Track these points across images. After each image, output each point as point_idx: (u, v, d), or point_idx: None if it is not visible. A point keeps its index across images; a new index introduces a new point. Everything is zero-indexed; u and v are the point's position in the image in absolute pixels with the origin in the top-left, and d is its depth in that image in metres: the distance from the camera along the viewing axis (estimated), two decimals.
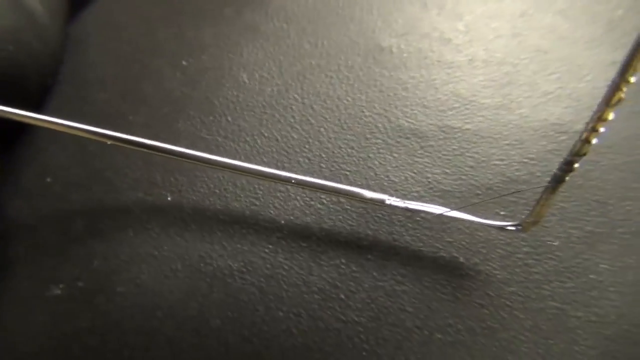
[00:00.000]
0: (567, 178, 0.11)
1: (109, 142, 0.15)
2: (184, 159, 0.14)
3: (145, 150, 0.14)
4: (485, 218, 0.14)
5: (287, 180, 0.14)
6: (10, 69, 0.15)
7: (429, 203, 0.15)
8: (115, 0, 0.20)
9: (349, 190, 0.14)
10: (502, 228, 0.13)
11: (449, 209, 0.13)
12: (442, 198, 0.15)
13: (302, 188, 0.15)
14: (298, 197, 0.15)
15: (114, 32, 0.20)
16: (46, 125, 0.15)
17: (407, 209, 0.14)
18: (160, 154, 0.14)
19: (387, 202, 0.14)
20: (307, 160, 0.16)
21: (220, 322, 0.14)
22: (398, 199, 0.14)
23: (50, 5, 0.17)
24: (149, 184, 0.16)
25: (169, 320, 0.14)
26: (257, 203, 0.15)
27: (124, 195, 0.16)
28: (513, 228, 0.13)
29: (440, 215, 0.14)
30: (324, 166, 0.16)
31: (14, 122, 0.15)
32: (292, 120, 0.16)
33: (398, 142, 0.15)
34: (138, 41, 0.19)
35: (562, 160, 0.12)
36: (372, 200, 0.14)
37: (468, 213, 0.14)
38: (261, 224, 0.15)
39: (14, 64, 0.15)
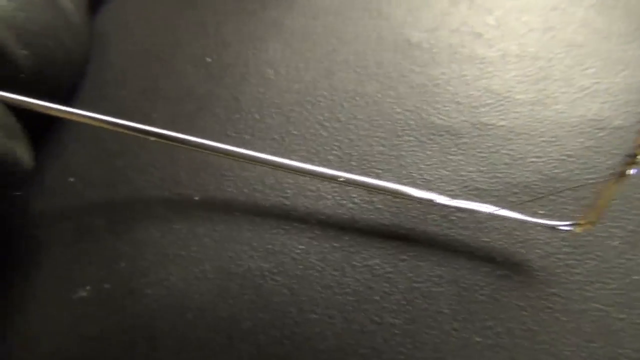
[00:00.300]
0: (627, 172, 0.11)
1: (152, 139, 0.14)
2: (235, 158, 0.14)
3: (191, 148, 0.14)
4: (515, 213, 0.13)
5: (333, 178, 0.14)
6: (47, 65, 0.15)
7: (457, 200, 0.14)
8: (129, 3, 0.20)
9: (395, 189, 0.13)
10: (554, 228, 0.13)
11: (498, 208, 0.13)
12: (478, 197, 0.14)
13: (348, 186, 0.14)
14: (329, 197, 0.15)
15: (134, 30, 0.20)
16: (84, 120, 0.14)
17: (457, 208, 0.13)
18: (212, 152, 0.14)
19: (437, 201, 0.13)
20: (337, 159, 0.15)
21: (251, 324, 0.14)
22: (447, 198, 0.13)
23: (77, 3, 0.17)
24: (174, 183, 0.16)
25: (199, 323, 0.14)
26: (287, 203, 0.15)
27: (149, 194, 0.16)
28: (568, 228, 0.13)
29: (491, 215, 0.13)
30: (354, 164, 0.15)
31: (40, 121, 0.15)
32: (320, 117, 0.16)
33: (431, 139, 0.15)
34: (158, 38, 0.18)
35: (604, 157, 0.11)
36: (420, 199, 0.13)
37: (509, 211, 0.13)
38: (292, 224, 0.15)
39: (51, 61, 0.15)
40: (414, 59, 0.16)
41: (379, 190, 0.14)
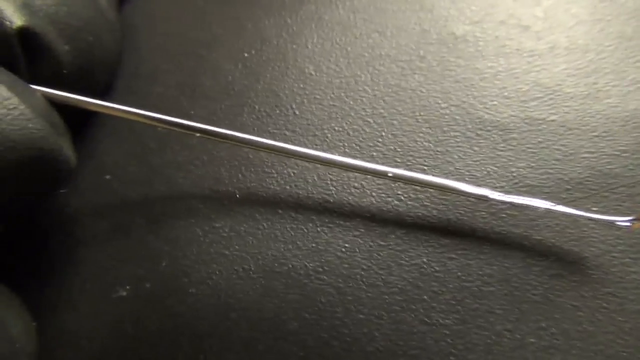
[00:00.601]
0: None
1: (197, 135, 0.14)
2: (287, 155, 0.14)
3: (238, 144, 0.14)
4: (573, 209, 0.13)
5: (382, 173, 0.13)
6: (87, 61, 0.14)
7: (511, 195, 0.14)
8: None
9: (447, 185, 0.13)
10: (612, 224, 0.12)
11: (554, 203, 0.13)
12: (529, 193, 0.14)
13: (396, 182, 0.14)
14: (374, 194, 0.15)
15: (165, 25, 0.19)
16: (134, 117, 0.14)
17: (511, 204, 0.13)
18: (258, 148, 0.14)
19: (491, 197, 0.13)
20: (381, 155, 0.15)
21: (297, 325, 0.14)
22: (502, 194, 0.13)
23: (111, 1, 0.17)
24: (214, 181, 0.15)
25: (243, 323, 0.14)
26: (331, 200, 0.15)
27: (189, 192, 0.15)
28: (627, 224, 0.12)
29: (548, 211, 0.13)
30: (399, 161, 0.15)
31: (74, 117, 0.15)
32: (363, 113, 0.15)
33: (478, 134, 0.15)
34: (193, 34, 0.18)
35: None
36: (474, 195, 0.13)
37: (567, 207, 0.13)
38: (336, 221, 0.14)
39: (90, 57, 0.15)
40: (459, 52, 0.15)
41: (429, 185, 0.13)
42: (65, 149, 0.13)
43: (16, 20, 0.13)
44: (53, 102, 0.14)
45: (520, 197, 0.13)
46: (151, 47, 0.19)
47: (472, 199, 0.14)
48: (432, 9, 0.16)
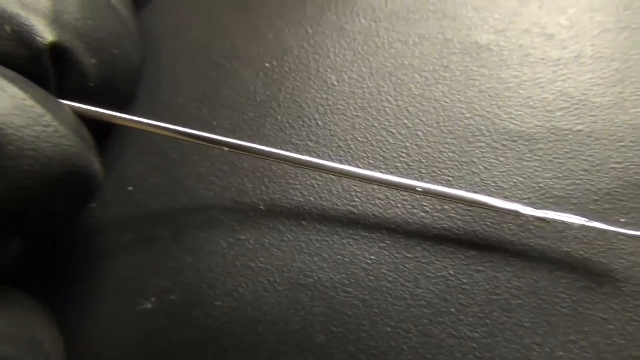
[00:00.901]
0: None
1: (225, 150, 0.14)
2: (319, 170, 0.14)
3: (267, 159, 0.14)
4: (607, 225, 0.13)
5: (411, 188, 0.13)
6: (112, 74, 0.15)
7: (543, 210, 0.14)
8: (176, 4, 0.20)
9: (477, 200, 0.13)
10: None
11: (587, 220, 0.12)
12: (556, 205, 0.14)
13: (426, 196, 0.14)
14: (399, 205, 0.14)
15: (184, 34, 0.19)
16: (158, 131, 0.14)
17: (543, 220, 0.13)
18: (290, 164, 0.14)
19: (523, 212, 0.13)
20: (405, 166, 0.15)
21: (324, 338, 0.14)
22: (533, 209, 0.13)
23: (130, 9, 0.17)
24: (238, 192, 0.15)
25: (270, 336, 0.14)
26: (356, 212, 0.15)
27: (212, 204, 0.15)
28: None
29: (582, 227, 0.13)
30: (424, 172, 0.15)
31: (97, 129, 0.15)
32: (387, 124, 0.15)
33: (504, 145, 0.15)
34: (213, 43, 0.18)
35: None
36: (505, 210, 0.13)
37: (593, 219, 0.13)
38: (361, 233, 0.14)
39: (115, 69, 0.15)
40: (483, 61, 0.15)
41: (460, 201, 0.13)
42: (94, 163, 0.13)
43: (47, 36, 0.13)
44: (81, 116, 0.14)
45: (553, 213, 0.13)
46: (171, 57, 0.19)
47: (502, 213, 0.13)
48: (455, 17, 0.16)
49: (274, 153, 0.14)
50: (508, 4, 0.16)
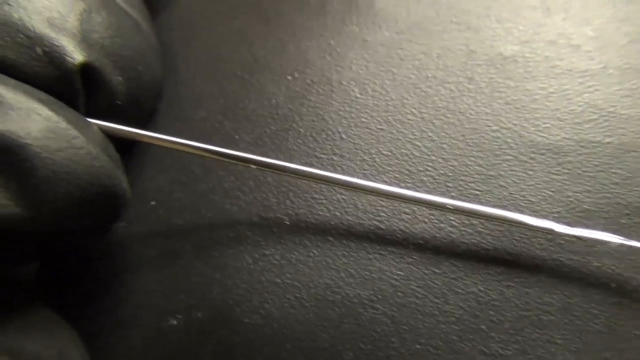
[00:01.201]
0: None
1: (253, 167, 0.14)
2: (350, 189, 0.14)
3: (297, 177, 0.14)
4: (636, 239, 0.13)
5: (441, 206, 0.13)
6: (138, 90, 0.14)
7: (574, 225, 0.13)
8: (192, 14, 0.20)
9: (510, 218, 0.13)
10: None
11: (625, 238, 0.12)
12: (586, 219, 0.14)
13: (457, 214, 0.14)
14: (426, 220, 0.14)
15: (203, 46, 0.19)
16: (187, 149, 0.14)
17: (578, 238, 0.13)
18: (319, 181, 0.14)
19: (557, 230, 0.12)
20: (431, 180, 0.15)
21: (353, 355, 0.13)
22: (568, 227, 0.13)
23: (149, 23, 0.17)
24: (263, 207, 0.15)
25: (298, 354, 0.14)
26: (382, 226, 0.14)
27: (236, 219, 0.15)
28: None
29: (621, 246, 0.12)
30: (450, 186, 0.15)
31: (119, 143, 0.15)
32: (411, 136, 0.15)
33: (532, 158, 0.14)
34: (234, 56, 0.18)
35: None
36: (538, 228, 0.13)
37: (616, 233, 0.13)
38: (388, 248, 0.14)
39: (140, 85, 0.15)
40: (508, 73, 0.15)
41: (491, 218, 0.13)
42: (123, 182, 0.13)
43: (77, 56, 0.13)
44: (108, 134, 0.14)
45: (588, 231, 0.13)
46: (191, 70, 0.19)
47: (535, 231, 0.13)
48: (478, 29, 0.16)
49: (302, 171, 0.14)
50: (532, 14, 0.16)
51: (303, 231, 0.15)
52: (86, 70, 0.13)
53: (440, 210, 0.14)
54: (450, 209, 0.13)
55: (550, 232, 0.13)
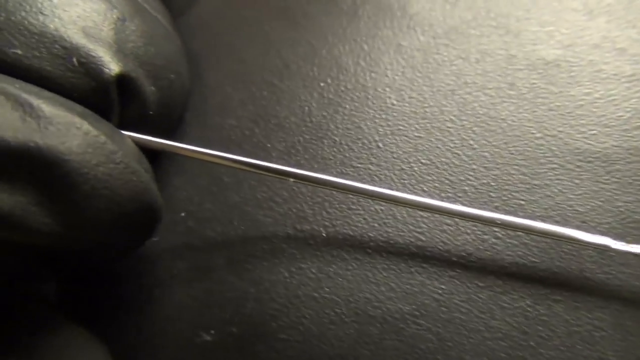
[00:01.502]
0: None
1: (291, 180, 0.13)
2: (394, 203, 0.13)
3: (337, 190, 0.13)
4: None
5: (491, 221, 0.12)
6: (169, 99, 0.14)
7: (623, 235, 0.13)
8: (214, 18, 0.19)
9: (563, 234, 0.12)
10: None
11: None
12: (638, 230, 0.13)
13: (506, 229, 0.13)
14: (469, 231, 0.14)
15: (228, 51, 0.19)
16: (222, 162, 0.14)
17: (636, 255, 0.12)
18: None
19: (614, 247, 0.12)
20: (473, 189, 0.14)
21: None
22: (625, 244, 0.12)
23: (176, 30, 0.16)
24: (298, 219, 0.15)
25: None
26: (423, 238, 0.14)
27: (270, 231, 0.15)
28: None
29: None
30: (493, 195, 0.14)
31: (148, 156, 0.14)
32: (451, 145, 0.15)
33: (578, 166, 0.14)
34: (262, 61, 0.17)
35: None
36: (593, 245, 0.12)
37: None
38: (430, 261, 0.14)
39: (172, 94, 0.14)
40: (551, 78, 0.15)
41: (543, 234, 0.12)
42: (158, 196, 0.13)
43: (114, 67, 0.13)
44: (139, 146, 0.13)
45: None
46: (217, 76, 0.19)
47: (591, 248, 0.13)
48: (519, 32, 0.15)
49: (341, 184, 0.13)
50: (574, 17, 0.15)
51: (341, 243, 0.14)
52: (121, 80, 0.13)
53: (488, 225, 0.13)
54: (499, 224, 0.13)
55: (606, 248, 0.12)
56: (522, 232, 0.13)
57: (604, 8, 0.15)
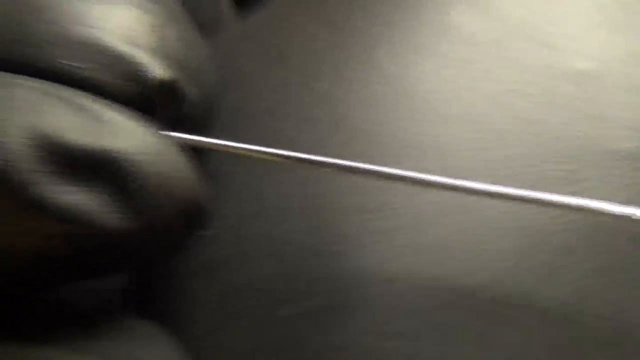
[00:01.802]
0: None
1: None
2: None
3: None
4: None
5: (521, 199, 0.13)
6: (206, 100, 0.15)
7: None
8: (268, 19, 0.20)
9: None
10: None
11: None
12: None
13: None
14: None
15: (259, 46, 0.19)
16: (263, 156, 0.14)
17: None
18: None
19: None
20: (517, 184, 0.15)
21: None
22: None
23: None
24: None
25: None
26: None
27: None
28: None
29: None
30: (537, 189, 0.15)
31: None
32: (494, 145, 0.16)
33: (611, 165, 0.15)
34: (304, 64, 0.18)
35: None
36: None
37: None
38: None
39: (210, 94, 0.15)
40: (585, 86, 0.16)
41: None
42: (208, 189, 0.14)
43: (157, 72, 0.13)
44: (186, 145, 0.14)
45: None
46: (253, 76, 0.19)
47: None
48: (555, 45, 0.17)
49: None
50: (603, 32, 0.17)
51: None
52: (164, 85, 0.13)
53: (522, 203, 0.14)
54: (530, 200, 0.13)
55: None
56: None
57: (635, 23, 0.17)
